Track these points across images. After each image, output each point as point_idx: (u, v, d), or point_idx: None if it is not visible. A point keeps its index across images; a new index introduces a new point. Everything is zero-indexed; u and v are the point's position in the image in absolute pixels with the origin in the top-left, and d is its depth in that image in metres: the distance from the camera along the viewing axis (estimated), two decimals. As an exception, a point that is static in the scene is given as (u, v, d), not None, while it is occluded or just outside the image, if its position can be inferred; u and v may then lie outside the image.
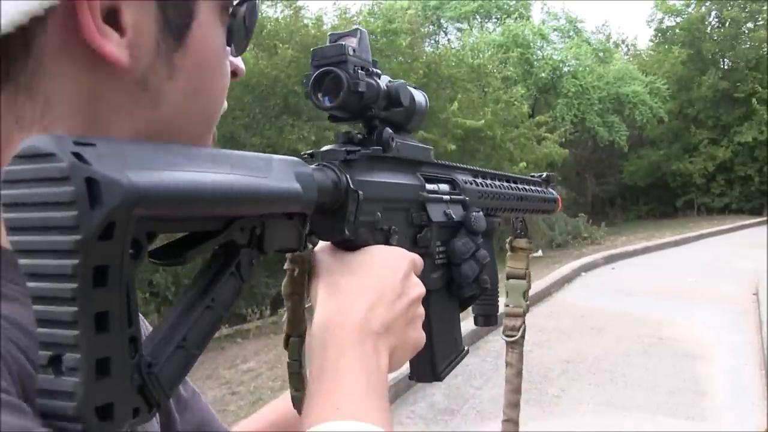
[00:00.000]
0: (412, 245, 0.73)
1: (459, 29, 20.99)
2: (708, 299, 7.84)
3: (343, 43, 0.64)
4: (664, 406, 4.58)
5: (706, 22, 21.61)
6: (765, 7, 19.57)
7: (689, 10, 21.65)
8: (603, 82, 17.88)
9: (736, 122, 20.15)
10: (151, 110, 0.50)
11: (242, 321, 6.79)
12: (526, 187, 1.05)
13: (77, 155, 0.35)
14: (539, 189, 1.11)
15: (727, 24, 21.19)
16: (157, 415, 0.67)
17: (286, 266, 0.66)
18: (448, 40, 20.79)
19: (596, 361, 5.60)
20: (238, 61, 0.60)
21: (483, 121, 10.73)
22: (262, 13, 9.04)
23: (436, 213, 0.76)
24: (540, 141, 13.24)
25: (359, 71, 0.63)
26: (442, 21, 20.85)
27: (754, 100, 19.42)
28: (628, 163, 20.53)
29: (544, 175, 1.15)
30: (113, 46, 0.46)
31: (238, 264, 0.49)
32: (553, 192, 1.16)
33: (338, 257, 0.65)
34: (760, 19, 20.56)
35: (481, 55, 13.48)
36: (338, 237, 0.63)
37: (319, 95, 0.64)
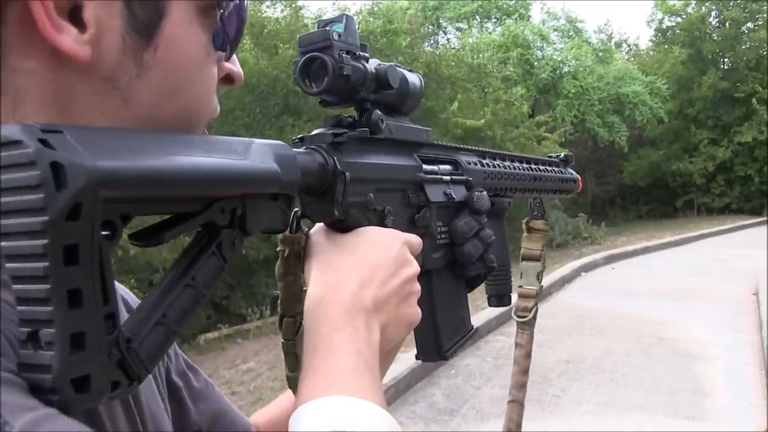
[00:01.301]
0: (410, 225, 0.73)
1: (459, 29, 21.00)
2: (708, 299, 7.84)
3: (328, 28, 0.65)
4: (664, 406, 4.58)
5: (706, 22, 21.61)
6: (765, 7, 19.57)
7: (689, 10, 21.66)
8: (603, 83, 17.88)
9: (736, 122, 20.15)
10: (124, 108, 0.50)
11: (242, 321, 6.79)
12: (541, 167, 1.04)
13: (43, 141, 0.37)
14: (557, 169, 1.10)
15: (727, 24, 21.19)
16: (168, 407, 0.67)
17: (278, 248, 0.67)
18: (448, 40, 20.80)
19: (596, 361, 5.60)
20: (233, 66, 0.60)
21: (483, 121, 10.74)
22: (262, 14, 9.04)
23: (434, 193, 0.76)
24: (540, 141, 13.24)
25: (344, 55, 0.64)
26: (441, 21, 20.85)
27: (754, 100, 19.42)
28: (628, 163, 20.53)
29: (562, 155, 1.14)
30: (71, 41, 0.46)
31: (219, 244, 0.50)
32: (573, 172, 1.14)
33: (331, 238, 0.66)
34: (760, 19, 20.56)
35: (481, 55, 13.49)
36: (328, 218, 0.64)
37: (307, 81, 0.65)
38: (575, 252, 11.83)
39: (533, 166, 1.02)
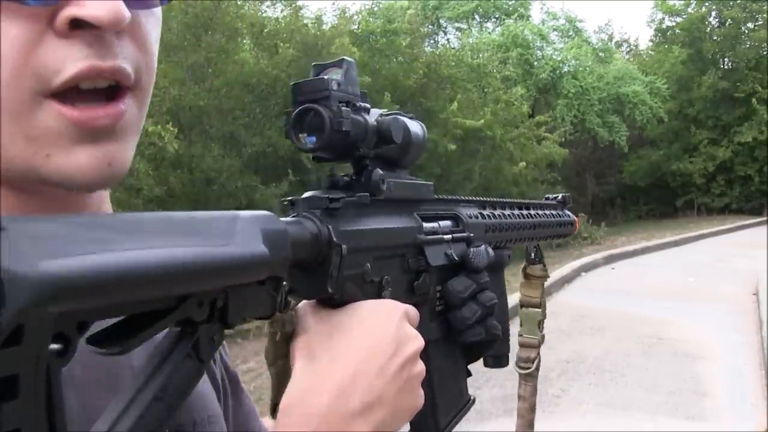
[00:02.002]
0: (409, 294, 0.66)
1: (458, 29, 21.00)
2: (708, 299, 7.84)
3: (326, 76, 0.58)
4: (664, 406, 4.58)
5: (706, 22, 21.62)
6: (765, 7, 19.58)
7: (689, 10, 21.68)
8: (603, 83, 17.89)
9: (736, 122, 20.18)
10: None
11: (242, 321, 6.78)
12: (540, 212, 0.99)
13: None
14: (554, 212, 1.05)
15: (727, 24, 21.20)
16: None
17: (267, 329, 0.58)
18: (448, 40, 20.81)
19: (596, 361, 5.60)
20: (77, 7, 0.46)
21: (483, 121, 10.74)
22: (262, 13, 9.04)
23: (435, 256, 0.69)
24: (540, 141, 13.24)
25: (344, 108, 0.57)
26: (441, 21, 20.86)
27: (754, 100, 19.44)
28: (628, 163, 20.55)
29: (559, 197, 1.09)
30: None
31: (195, 343, 0.42)
32: (570, 214, 1.10)
33: (320, 317, 0.57)
34: (760, 19, 20.57)
35: (480, 55, 13.48)
36: (321, 295, 0.56)
37: (301, 135, 0.57)
38: (575, 252, 11.82)
39: (532, 212, 0.96)
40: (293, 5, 8.94)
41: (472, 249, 0.71)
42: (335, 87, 0.57)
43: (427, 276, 0.68)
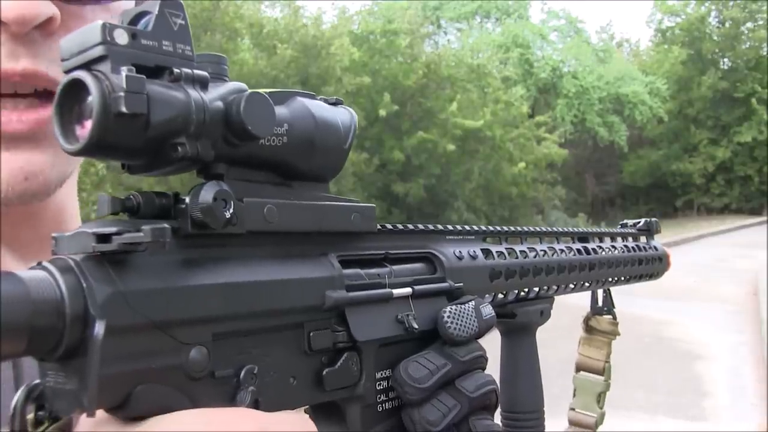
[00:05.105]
0: (316, 389, 0.42)
1: (459, 29, 21.01)
2: (708, 299, 7.84)
3: (103, 21, 0.33)
4: (664, 406, 4.58)
5: (706, 22, 21.65)
6: (765, 7, 19.59)
7: (688, 10, 21.70)
8: (603, 82, 17.92)
9: (735, 122, 20.21)
10: None
11: None
12: (607, 246, 0.74)
13: None
14: (633, 245, 0.79)
15: (727, 24, 21.23)
16: None
17: None
18: (448, 40, 20.81)
19: (596, 361, 5.61)
20: None
21: (482, 122, 10.74)
22: (261, 13, 9.05)
23: (369, 324, 0.45)
24: (540, 141, 13.25)
25: (132, 75, 0.32)
26: (441, 21, 20.86)
27: (753, 100, 19.48)
28: (628, 163, 20.57)
29: (642, 223, 0.84)
30: None
31: None
32: (658, 246, 0.85)
33: None
34: (759, 18, 20.60)
35: (480, 55, 13.49)
36: (74, 410, 0.33)
37: (72, 127, 0.34)
38: (575, 252, 11.83)
39: (590, 247, 0.71)
40: (292, 5, 8.95)
41: (448, 308, 0.48)
42: (123, 40, 0.33)
43: (354, 358, 0.44)
